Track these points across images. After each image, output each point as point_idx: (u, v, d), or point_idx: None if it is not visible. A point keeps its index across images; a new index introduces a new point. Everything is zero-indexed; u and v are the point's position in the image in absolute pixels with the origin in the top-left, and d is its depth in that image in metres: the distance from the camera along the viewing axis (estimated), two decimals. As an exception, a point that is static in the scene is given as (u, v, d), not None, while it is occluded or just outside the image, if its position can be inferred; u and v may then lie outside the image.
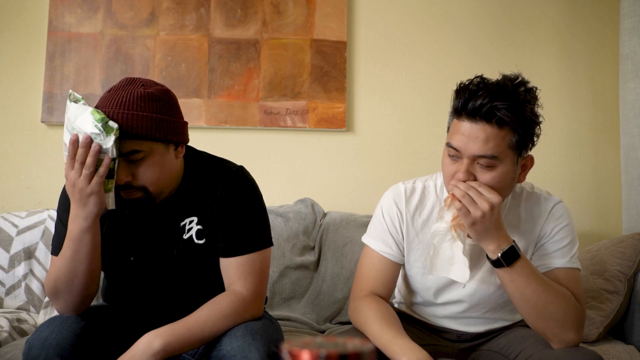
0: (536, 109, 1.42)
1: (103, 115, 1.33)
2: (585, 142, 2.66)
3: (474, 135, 1.37)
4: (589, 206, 2.64)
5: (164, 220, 1.51)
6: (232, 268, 1.48)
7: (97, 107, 1.38)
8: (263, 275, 1.51)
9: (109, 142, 1.32)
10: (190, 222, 1.51)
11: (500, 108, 1.35)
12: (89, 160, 1.32)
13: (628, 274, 2.00)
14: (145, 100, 1.39)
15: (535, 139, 1.43)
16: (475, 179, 1.40)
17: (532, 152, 1.46)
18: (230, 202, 1.50)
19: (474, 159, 1.38)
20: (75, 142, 1.32)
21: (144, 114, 1.38)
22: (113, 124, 1.33)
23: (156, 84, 1.45)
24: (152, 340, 1.34)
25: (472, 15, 2.67)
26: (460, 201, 1.37)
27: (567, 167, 2.65)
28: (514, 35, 2.67)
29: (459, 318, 1.60)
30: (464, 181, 1.39)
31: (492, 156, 1.37)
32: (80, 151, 1.32)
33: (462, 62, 2.64)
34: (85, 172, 1.32)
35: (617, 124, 2.59)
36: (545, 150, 2.61)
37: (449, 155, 1.43)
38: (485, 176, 1.39)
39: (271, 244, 1.55)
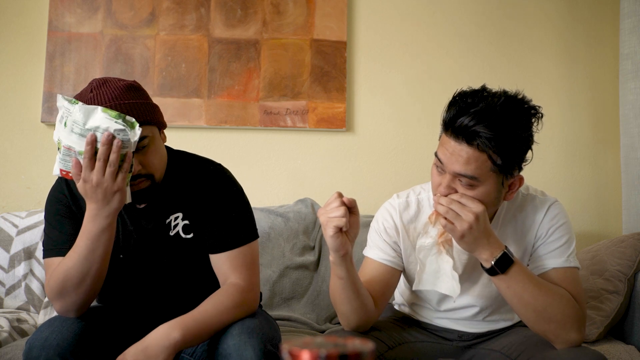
0: (533, 129, 1.39)
1: (117, 112, 1.34)
2: (585, 143, 2.66)
3: (456, 154, 1.36)
4: (589, 206, 2.64)
5: (149, 219, 1.52)
6: (224, 263, 1.50)
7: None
8: (255, 266, 1.54)
9: (135, 136, 1.34)
10: (176, 218, 1.53)
11: (481, 134, 1.32)
12: (113, 157, 1.32)
13: (628, 274, 2.00)
14: (132, 90, 1.42)
15: (523, 163, 1.41)
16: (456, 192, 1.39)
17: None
18: (215, 199, 1.53)
19: (456, 175, 1.38)
20: (93, 142, 1.31)
21: (141, 101, 1.42)
22: (131, 118, 1.35)
23: (122, 79, 1.47)
24: (170, 332, 1.34)
25: (472, 16, 2.67)
26: (445, 218, 1.37)
27: (567, 168, 2.65)
28: (514, 36, 2.67)
29: (462, 320, 1.60)
30: (446, 195, 1.38)
31: (472, 177, 1.36)
32: (102, 149, 1.31)
33: (462, 62, 2.65)
34: (109, 169, 1.32)
35: (617, 124, 2.59)
36: (545, 150, 2.61)
37: (435, 165, 1.43)
38: (466, 193, 1.38)
39: (258, 236, 1.58)
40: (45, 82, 2.53)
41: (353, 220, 1.35)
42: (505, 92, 1.39)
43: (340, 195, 1.35)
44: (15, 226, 2.27)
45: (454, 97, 1.40)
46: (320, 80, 2.58)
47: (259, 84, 2.57)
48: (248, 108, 2.56)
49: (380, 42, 2.65)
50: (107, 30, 2.56)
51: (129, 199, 1.40)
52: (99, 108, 1.33)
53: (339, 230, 1.33)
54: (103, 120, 1.32)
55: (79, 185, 1.34)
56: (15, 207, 2.51)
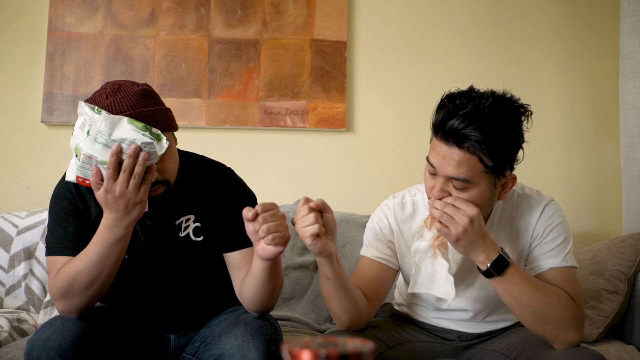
0: (523, 128, 1.38)
1: (144, 124, 1.33)
2: (585, 142, 2.66)
3: (447, 157, 1.36)
4: (589, 206, 2.64)
5: (158, 219, 1.51)
6: (248, 258, 1.50)
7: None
8: None
9: (162, 149, 1.34)
10: (187, 220, 1.52)
11: (471, 137, 1.32)
12: (138, 169, 1.31)
13: (628, 274, 2.00)
14: (148, 96, 1.40)
15: (514, 163, 1.41)
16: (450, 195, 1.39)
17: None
18: (230, 204, 1.53)
19: (448, 178, 1.38)
20: (118, 154, 1.30)
21: (158, 108, 1.40)
22: (157, 130, 1.35)
23: (134, 82, 1.46)
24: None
25: (471, 15, 2.67)
26: (439, 222, 1.37)
27: (567, 167, 2.65)
28: (514, 35, 2.67)
29: (460, 320, 1.60)
30: (440, 199, 1.38)
31: (464, 179, 1.36)
32: (128, 161, 1.31)
33: (462, 62, 2.65)
34: (133, 181, 1.32)
35: (617, 124, 2.59)
36: (545, 150, 2.61)
37: (428, 169, 1.43)
38: (460, 196, 1.38)
39: None
40: (45, 82, 2.53)
41: (327, 220, 1.35)
42: (493, 93, 1.38)
43: (306, 201, 1.34)
44: (15, 226, 2.27)
45: (442, 100, 1.40)
46: (320, 80, 2.58)
47: (259, 84, 2.57)
48: (248, 108, 2.56)
49: (380, 42, 2.65)
50: (107, 30, 2.56)
51: (146, 208, 1.40)
52: (125, 119, 1.32)
53: (316, 236, 1.33)
54: (130, 132, 1.31)
55: (99, 194, 1.33)
56: (15, 207, 2.51)
